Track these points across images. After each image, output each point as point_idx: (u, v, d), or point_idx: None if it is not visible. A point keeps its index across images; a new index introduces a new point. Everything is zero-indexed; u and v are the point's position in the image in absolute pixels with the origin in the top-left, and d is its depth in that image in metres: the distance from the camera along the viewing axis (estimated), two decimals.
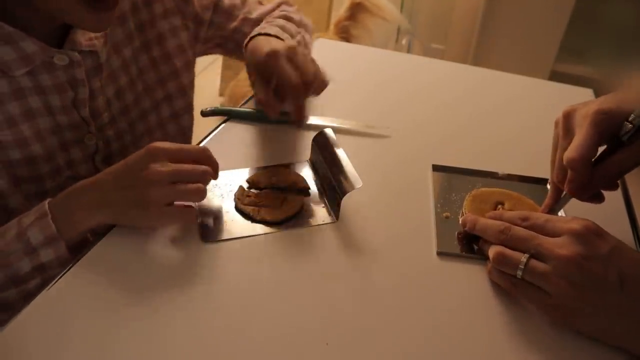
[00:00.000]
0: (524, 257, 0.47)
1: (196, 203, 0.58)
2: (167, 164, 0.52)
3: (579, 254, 0.44)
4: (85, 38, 0.63)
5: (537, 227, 0.49)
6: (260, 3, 0.91)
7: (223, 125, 0.75)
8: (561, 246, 0.45)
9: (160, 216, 0.53)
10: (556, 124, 0.57)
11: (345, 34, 1.71)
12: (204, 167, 0.55)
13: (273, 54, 0.65)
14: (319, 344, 0.45)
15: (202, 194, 0.53)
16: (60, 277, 0.50)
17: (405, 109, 0.82)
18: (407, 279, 0.52)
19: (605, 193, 0.54)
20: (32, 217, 0.53)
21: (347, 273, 0.52)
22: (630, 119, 0.50)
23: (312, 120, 0.75)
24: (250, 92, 0.83)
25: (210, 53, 0.92)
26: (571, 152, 0.51)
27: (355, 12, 1.72)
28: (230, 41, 0.87)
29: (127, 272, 0.51)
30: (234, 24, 0.85)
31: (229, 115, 0.77)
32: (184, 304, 0.48)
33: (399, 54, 1.11)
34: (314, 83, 0.68)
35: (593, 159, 0.51)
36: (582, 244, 0.45)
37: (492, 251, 0.50)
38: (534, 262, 0.46)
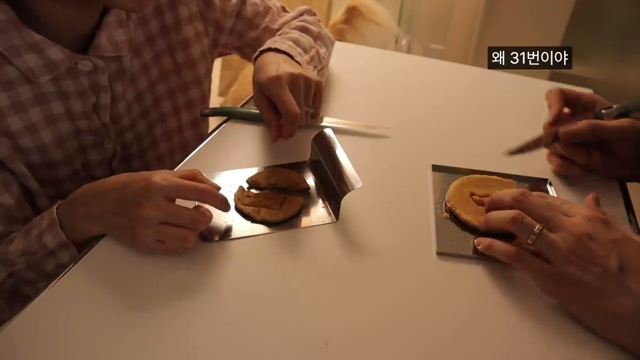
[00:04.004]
0: (539, 225, 0.48)
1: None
2: (161, 205, 0.50)
3: (585, 233, 0.47)
4: (110, 42, 0.63)
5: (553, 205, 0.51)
6: (285, 9, 0.90)
7: (223, 125, 0.75)
8: (573, 223, 0.48)
9: (147, 248, 0.52)
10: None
11: (340, 38, 1.71)
12: (196, 214, 0.52)
13: (275, 80, 0.63)
14: (319, 344, 0.45)
15: (188, 242, 0.51)
16: (60, 277, 0.50)
17: (405, 109, 0.82)
18: (407, 279, 0.52)
19: (605, 194, 0.55)
20: (45, 221, 0.56)
21: (347, 273, 0.52)
22: (613, 106, 0.64)
23: (313, 120, 0.75)
24: (251, 93, 0.83)
25: (227, 54, 0.91)
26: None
27: (351, 16, 1.72)
28: (249, 47, 0.86)
29: (127, 272, 0.51)
30: (255, 32, 0.84)
31: (229, 115, 0.77)
32: (183, 304, 0.48)
33: (398, 54, 1.11)
34: (304, 118, 0.67)
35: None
36: (590, 226, 0.48)
37: (510, 212, 0.50)
38: (547, 231, 0.48)
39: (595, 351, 0.46)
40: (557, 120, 0.66)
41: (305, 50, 0.77)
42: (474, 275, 0.53)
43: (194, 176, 0.54)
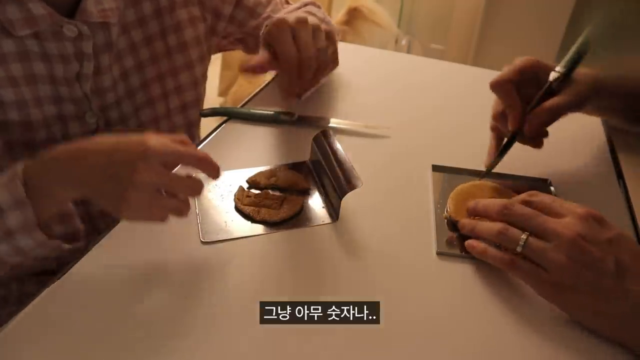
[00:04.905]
0: (524, 235, 0.48)
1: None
2: (158, 170, 0.49)
3: (579, 234, 0.46)
4: (97, 9, 0.62)
5: (544, 204, 0.50)
6: (288, 2, 0.90)
7: (223, 125, 0.75)
8: (563, 225, 0.47)
9: (133, 216, 0.50)
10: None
11: (340, 39, 1.71)
12: (193, 182, 0.51)
13: (279, 23, 0.63)
14: (319, 344, 0.45)
15: (183, 212, 0.51)
16: (60, 277, 0.50)
17: (405, 109, 0.82)
18: (407, 279, 0.52)
19: (606, 192, 0.55)
20: (4, 178, 0.51)
21: (347, 273, 0.52)
22: (557, 68, 0.61)
23: (313, 121, 0.75)
24: (251, 93, 0.83)
25: (231, 49, 0.91)
26: (495, 77, 0.62)
27: (352, 17, 1.72)
28: (251, 38, 0.86)
29: (126, 273, 0.51)
30: (257, 22, 0.83)
31: (229, 116, 0.77)
32: (183, 304, 0.48)
33: (398, 54, 1.11)
34: (313, 62, 0.64)
35: (529, 107, 0.61)
36: (583, 226, 0.46)
37: (496, 226, 0.50)
38: (533, 239, 0.47)
39: (596, 351, 0.46)
40: (519, 120, 0.62)
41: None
42: (474, 275, 0.53)
43: (183, 142, 0.53)
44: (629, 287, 0.44)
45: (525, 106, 0.61)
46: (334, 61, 0.68)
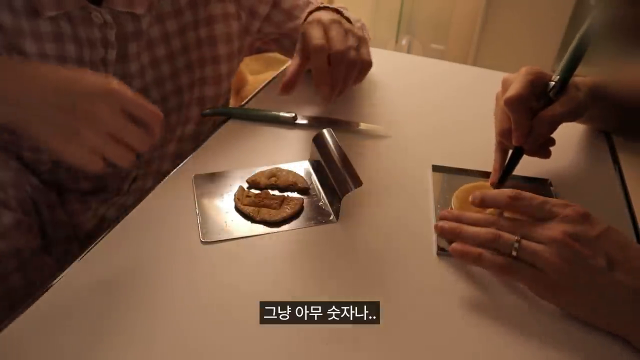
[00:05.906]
0: (516, 237, 0.49)
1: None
2: (117, 114, 0.48)
3: (567, 235, 0.47)
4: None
5: (534, 207, 0.51)
6: None
7: (223, 125, 0.75)
8: (551, 228, 0.48)
9: (72, 155, 0.48)
10: (497, 95, 0.65)
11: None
12: (144, 135, 0.50)
13: (313, 21, 0.65)
14: (319, 344, 0.45)
15: (127, 162, 0.50)
16: (59, 279, 0.50)
17: (406, 109, 0.82)
18: (407, 279, 0.52)
19: (606, 192, 0.55)
20: None
21: (347, 273, 0.52)
22: (553, 77, 0.60)
23: (313, 121, 0.75)
24: (251, 92, 0.83)
25: (266, 49, 0.91)
26: (509, 92, 0.58)
27: None
28: (287, 39, 0.85)
29: (126, 273, 0.51)
30: (294, 24, 0.83)
31: (229, 115, 0.77)
32: (183, 304, 0.48)
33: (398, 54, 1.11)
34: (344, 57, 0.64)
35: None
36: (571, 226, 0.48)
37: (488, 234, 0.50)
38: (526, 242, 0.48)
39: (598, 349, 0.46)
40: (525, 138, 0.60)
41: (351, 23, 0.76)
42: (474, 275, 0.53)
43: (156, 118, 0.53)
44: (621, 279, 0.45)
45: (530, 123, 0.59)
46: (366, 61, 0.69)
